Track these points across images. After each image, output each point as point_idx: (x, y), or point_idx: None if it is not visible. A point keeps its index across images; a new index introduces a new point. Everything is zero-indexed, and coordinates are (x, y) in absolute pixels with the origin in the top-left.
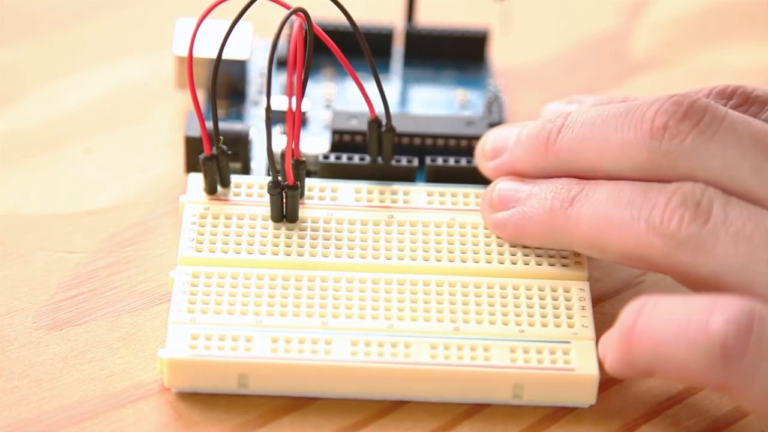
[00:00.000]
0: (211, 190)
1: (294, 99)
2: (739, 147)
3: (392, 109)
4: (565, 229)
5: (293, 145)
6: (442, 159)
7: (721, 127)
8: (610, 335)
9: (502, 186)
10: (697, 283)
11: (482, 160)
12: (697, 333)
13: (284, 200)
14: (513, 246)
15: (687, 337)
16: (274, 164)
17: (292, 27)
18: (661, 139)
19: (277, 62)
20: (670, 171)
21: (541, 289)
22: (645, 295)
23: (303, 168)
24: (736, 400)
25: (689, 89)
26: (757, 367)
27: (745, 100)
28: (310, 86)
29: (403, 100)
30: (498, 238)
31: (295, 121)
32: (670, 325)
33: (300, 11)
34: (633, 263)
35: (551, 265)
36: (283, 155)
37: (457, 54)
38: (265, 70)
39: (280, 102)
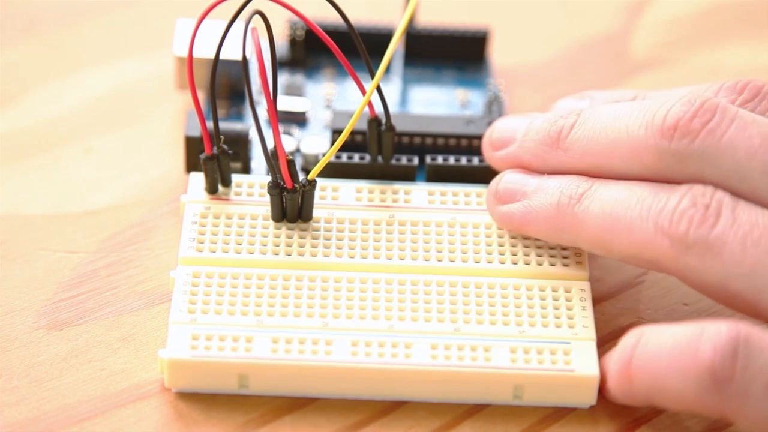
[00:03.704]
0: (212, 190)
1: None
2: (749, 147)
3: (392, 109)
4: (571, 227)
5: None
6: (442, 158)
7: (731, 126)
8: (610, 362)
9: (508, 178)
10: (705, 287)
11: (489, 149)
12: (687, 362)
13: (284, 201)
14: (513, 246)
15: (679, 366)
16: (272, 165)
17: (292, 27)
18: (671, 139)
19: (279, 62)
20: (680, 171)
21: (541, 289)
22: (643, 325)
23: (294, 165)
24: (735, 424)
25: (700, 85)
26: (747, 389)
27: (756, 95)
28: (311, 86)
29: (403, 100)
30: (499, 237)
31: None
32: (663, 356)
33: (258, 13)
34: (639, 263)
35: (552, 264)
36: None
37: (457, 54)
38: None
39: (284, 102)
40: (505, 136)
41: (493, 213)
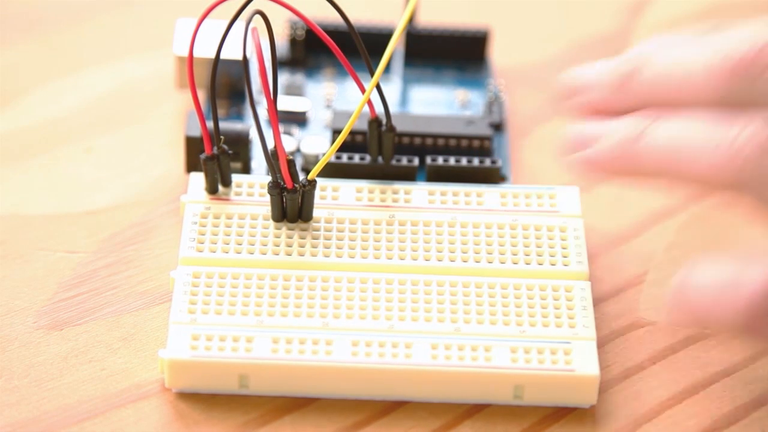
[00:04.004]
0: (212, 190)
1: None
2: None
3: (392, 109)
4: (637, 162)
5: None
6: (443, 158)
7: None
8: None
9: (578, 127)
10: None
11: (562, 98)
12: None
13: (284, 201)
14: (514, 246)
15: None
16: (272, 165)
17: (292, 26)
18: (743, 71)
19: (279, 62)
20: (748, 101)
21: (542, 289)
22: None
23: (294, 165)
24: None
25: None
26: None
27: None
28: (311, 86)
29: (403, 100)
30: (499, 237)
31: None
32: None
33: (259, 13)
34: (704, 189)
35: (552, 264)
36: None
37: (457, 54)
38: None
39: (284, 102)
40: (577, 84)
41: (568, 163)
